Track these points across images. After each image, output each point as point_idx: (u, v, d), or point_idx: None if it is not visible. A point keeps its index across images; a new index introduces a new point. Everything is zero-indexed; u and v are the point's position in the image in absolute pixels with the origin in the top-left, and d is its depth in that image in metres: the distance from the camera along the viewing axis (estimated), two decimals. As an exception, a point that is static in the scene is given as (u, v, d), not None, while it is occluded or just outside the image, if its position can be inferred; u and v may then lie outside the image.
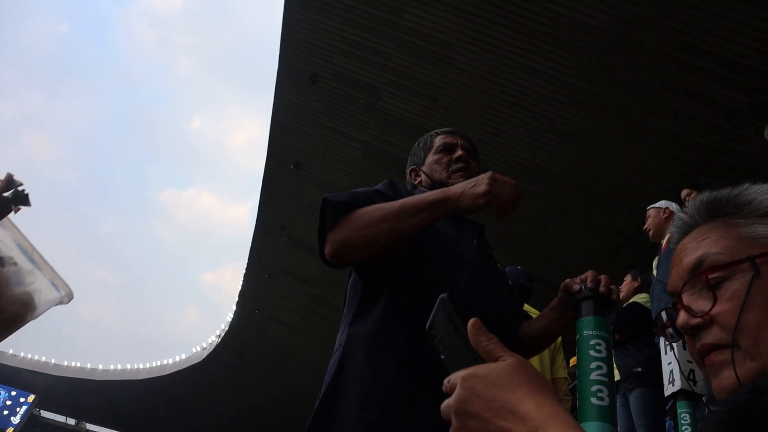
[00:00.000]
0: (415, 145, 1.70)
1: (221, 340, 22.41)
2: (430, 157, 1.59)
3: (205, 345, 25.43)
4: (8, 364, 32.06)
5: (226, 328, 21.54)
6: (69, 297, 1.39)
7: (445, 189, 1.21)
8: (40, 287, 1.38)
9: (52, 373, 32.22)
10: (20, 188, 1.34)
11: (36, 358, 32.87)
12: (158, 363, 29.68)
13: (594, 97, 7.87)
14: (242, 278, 17.74)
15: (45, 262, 1.42)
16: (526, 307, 3.22)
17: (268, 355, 20.78)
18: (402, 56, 8.80)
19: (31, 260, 1.38)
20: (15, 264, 1.35)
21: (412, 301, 1.24)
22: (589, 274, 1.24)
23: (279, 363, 20.69)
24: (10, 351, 32.87)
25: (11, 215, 1.37)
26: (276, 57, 9.96)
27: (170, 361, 28.58)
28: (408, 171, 1.65)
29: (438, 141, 1.63)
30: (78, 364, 32.83)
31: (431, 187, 1.49)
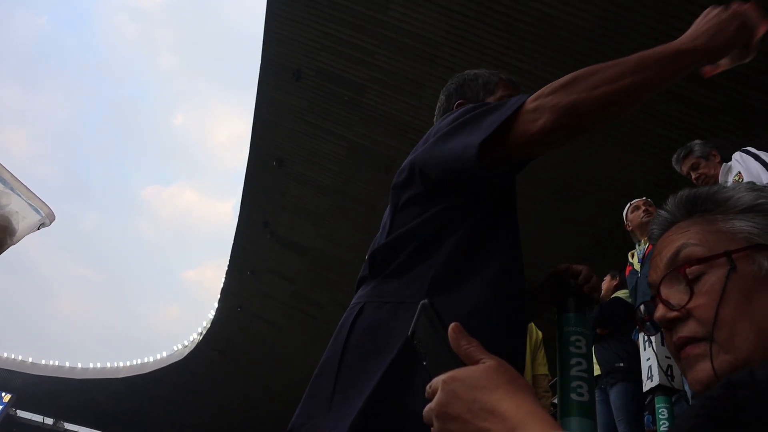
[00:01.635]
0: (465, 79, 1.42)
1: (203, 337, 22.25)
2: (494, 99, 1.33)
3: (186, 343, 25.24)
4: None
5: (208, 326, 21.39)
6: (50, 218, 1.30)
7: (674, 43, 0.97)
8: (16, 208, 1.28)
9: (30, 372, 31.70)
10: None
11: (12, 356, 32.33)
12: (139, 361, 29.37)
13: (576, 96, 7.93)
14: (224, 275, 17.63)
15: (18, 181, 1.30)
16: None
17: (251, 352, 20.67)
18: (387, 53, 8.80)
19: (2, 180, 1.28)
20: None
21: (519, 267, 1.08)
22: (584, 270, 1.20)
23: (262, 360, 20.60)
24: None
25: None
26: (259, 53, 9.90)
27: (151, 359, 28.30)
28: (455, 105, 1.38)
29: (505, 83, 1.38)
30: (56, 363, 32.36)
31: None
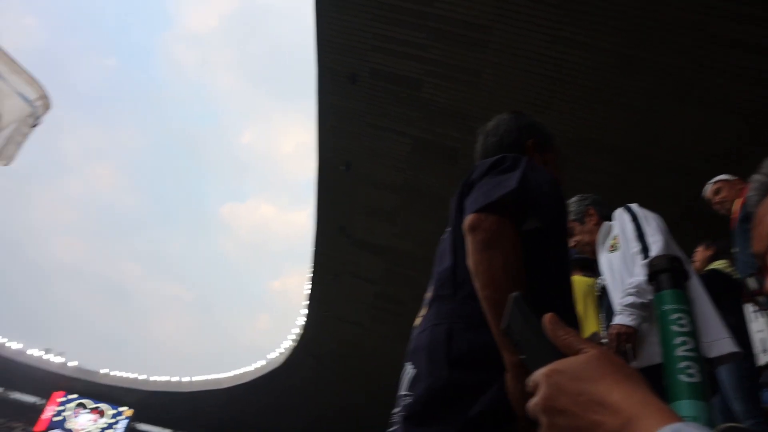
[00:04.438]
0: (529, 122, 1.58)
1: (297, 344, 22.98)
2: (544, 156, 1.52)
3: (281, 350, 26.16)
4: (103, 382, 34.15)
5: (301, 333, 22.07)
6: (43, 101, 1.09)
7: (512, 360, 1.04)
8: (5, 89, 1.08)
9: (143, 388, 34.04)
10: None
11: (127, 375, 34.84)
12: (239, 371, 30.79)
13: (638, 62, 7.53)
14: (308, 282, 18.12)
15: (13, 63, 1.09)
16: (579, 278, 3.20)
17: (342, 355, 21.15)
18: (438, 45, 8.73)
19: None
20: None
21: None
22: None
23: (354, 362, 21.03)
24: (104, 370, 34.98)
25: None
26: (313, 61, 10.10)
27: (251, 368, 29.57)
28: (527, 143, 1.52)
29: (555, 151, 1.58)
30: (166, 378, 34.54)
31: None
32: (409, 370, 1.20)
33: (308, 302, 19.19)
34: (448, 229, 1.38)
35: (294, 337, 23.53)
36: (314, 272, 17.15)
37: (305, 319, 20.74)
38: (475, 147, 1.61)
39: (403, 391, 1.17)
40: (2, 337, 33.38)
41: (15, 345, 33.74)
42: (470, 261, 1.13)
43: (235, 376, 30.86)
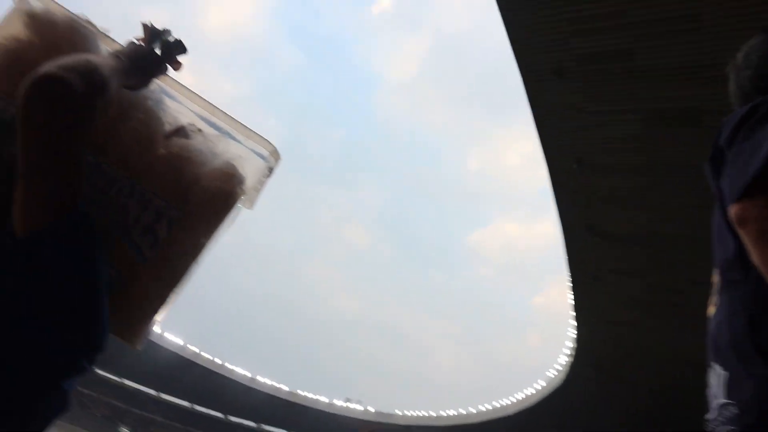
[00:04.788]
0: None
1: (573, 357, 22.25)
2: None
3: (559, 367, 25.53)
4: (402, 423, 37.28)
5: (574, 345, 21.38)
6: (275, 155, 1.18)
7: None
8: (238, 153, 1.17)
9: (438, 424, 36.15)
10: (168, 37, 1.09)
11: (421, 413, 37.46)
12: (521, 395, 30.74)
13: None
14: (570, 291, 17.66)
15: (234, 121, 1.17)
16: None
17: (622, 359, 19.77)
18: (640, 4, 8.25)
19: (215, 125, 1.18)
20: (200, 131, 1.17)
21: None
22: None
23: (636, 364, 19.45)
24: (399, 411, 38.28)
25: (174, 73, 1.13)
26: (514, 69, 10.25)
27: (532, 390, 29.33)
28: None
29: None
30: (456, 412, 36.19)
31: None
32: (718, 372, 1.05)
33: (574, 311, 18.60)
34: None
35: (568, 351, 22.83)
36: (573, 278, 16.69)
37: (576, 330, 20.07)
38: (726, 92, 1.36)
39: (721, 399, 1.02)
40: (310, 392, 39.35)
41: (322, 398, 39.39)
42: (754, 258, 0.96)
43: (519, 401, 30.90)
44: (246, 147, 1.18)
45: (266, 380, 39.20)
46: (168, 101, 1.17)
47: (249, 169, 1.17)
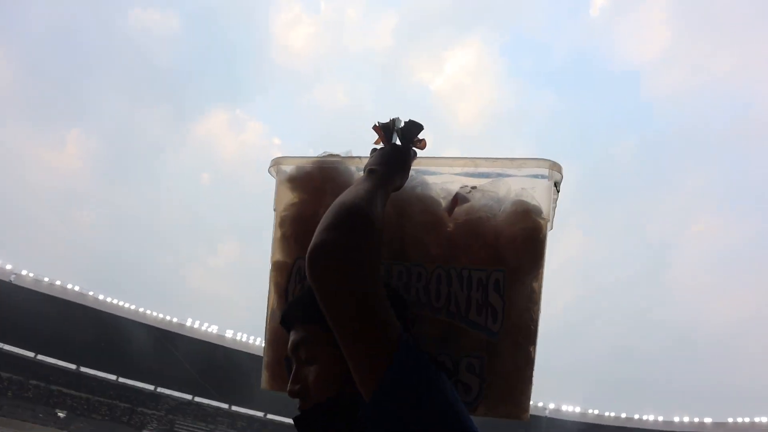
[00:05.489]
0: None
1: None
2: None
3: None
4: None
5: None
6: (555, 168, 1.09)
7: None
8: (521, 186, 1.09)
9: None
10: (400, 125, 1.06)
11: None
12: None
13: None
14: None
15: (498, 160, 1.11)
16: None
17: None
18: None
19: (485, 174, 1.12)
20: (474, 188, 1.12)
21: None
22: None
23: None
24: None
25: (421, 152, 1.10)
26: None
27: None
28: None
29: None
30: None
31: None
32: None
33: None
34: None
35: None
36: None
37: None
38: None
39: None
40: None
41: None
42: None
43: None
44: (523, 176, 1.11)
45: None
46: (430, 178, 1.17)
47: (538, 195, 1.10)
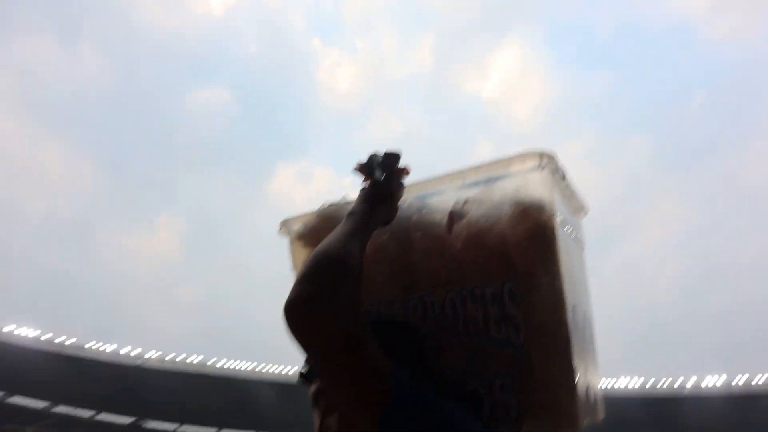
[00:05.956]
0: None
1: None
2: None
3: None
4: None
5: None
6: (546, 157, 1.03)
7: None
8: (515, 186, 1.03)
9: None
10: (380, 159, 1.03)
11: None
12: None
13: None
14: None
15: (484, 166, 1.10)
16: None
17: None
18: None
19: (475, 183, 1.09)
20: (467, 201, 1.11)
21: None
22: None
23: None
24: None
25: (408, 178, 1.06)
26: None
27: None
28: None
29: None
30: None
31: None
32: None
33: None
34: None
35: None
36: None
37: None
38: None
39: None
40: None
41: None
42: None
43: None
44: (516, 176, 1.04)
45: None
46: (428, 201, 1.14)
47: (535, 190, 1.03)
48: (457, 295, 1.05)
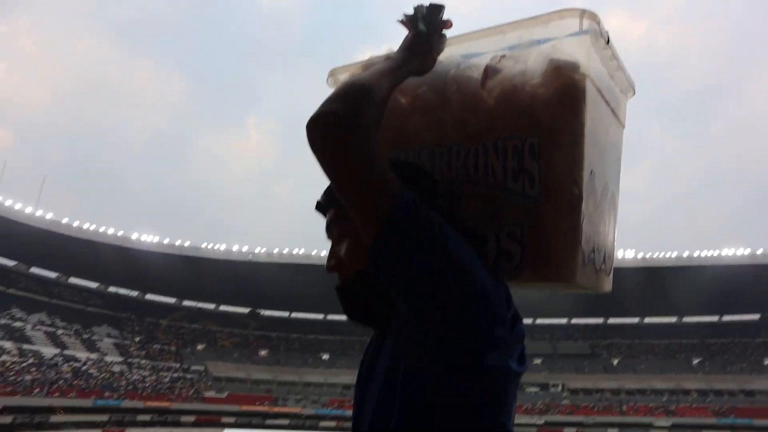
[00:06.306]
0: None
1: None
2: None
3: None
4: None
5: None
6: (588, 16, 0.98)
7: None
8: (550, 44, 1.00)
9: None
10: (423, 10, 0.99)
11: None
12: None
13: None
14: None
15: (523, 21, 1.05)
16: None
17: None
18: None
19: (513, 41, 1.05)
20: (503, 56, 1.06)
21: None
22: None
23: None
24: None
25: (449, 32, 1.02)
26: None
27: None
28: None
29: None
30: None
31: None
32: None
33: None
34: None
35: None
36: None
37: None
38: None
39: None
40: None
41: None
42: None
43: None
44: (552, 34, 1.03)
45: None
46: (467, 58, 1.14)
47: (570, 49, 1.01)
48: (482, 146, 1.08)
